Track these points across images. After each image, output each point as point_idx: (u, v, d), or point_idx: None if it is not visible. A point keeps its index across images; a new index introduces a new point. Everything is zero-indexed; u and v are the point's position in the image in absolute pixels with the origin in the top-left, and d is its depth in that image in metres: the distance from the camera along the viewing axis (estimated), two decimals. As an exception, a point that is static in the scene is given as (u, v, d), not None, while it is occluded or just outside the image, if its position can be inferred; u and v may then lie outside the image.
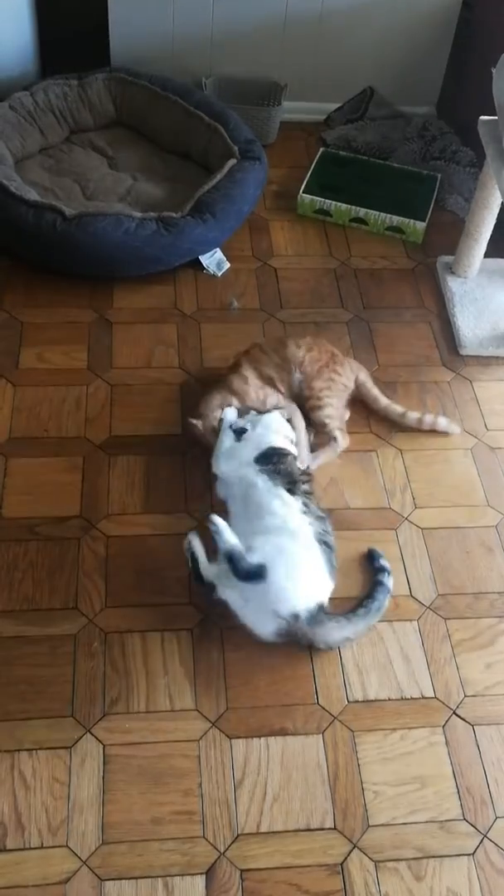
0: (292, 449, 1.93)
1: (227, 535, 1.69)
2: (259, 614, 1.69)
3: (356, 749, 1.66)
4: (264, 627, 1.70)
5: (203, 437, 2.01)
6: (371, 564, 1.91)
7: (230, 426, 1.91)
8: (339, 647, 1.79)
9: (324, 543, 1.76)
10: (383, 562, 1.90)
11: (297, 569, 1.69)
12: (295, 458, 1.91)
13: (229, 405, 2.00)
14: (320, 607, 1.72)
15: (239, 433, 1.89)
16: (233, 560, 1.66)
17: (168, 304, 2.50)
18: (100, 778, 1.59)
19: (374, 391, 2.21)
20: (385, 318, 2.53)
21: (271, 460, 1.84)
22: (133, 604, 1.83)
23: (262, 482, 1.80)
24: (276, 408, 2.02)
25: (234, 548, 1.68)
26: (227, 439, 1.89)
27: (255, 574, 1.65)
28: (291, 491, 1.80)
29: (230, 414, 1.95)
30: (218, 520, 1.71)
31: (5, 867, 1.49)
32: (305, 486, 1.85)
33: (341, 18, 2.97)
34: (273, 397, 2.09)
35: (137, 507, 2.00)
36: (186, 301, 2.51)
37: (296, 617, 1.67)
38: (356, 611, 1.80)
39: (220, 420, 1.95)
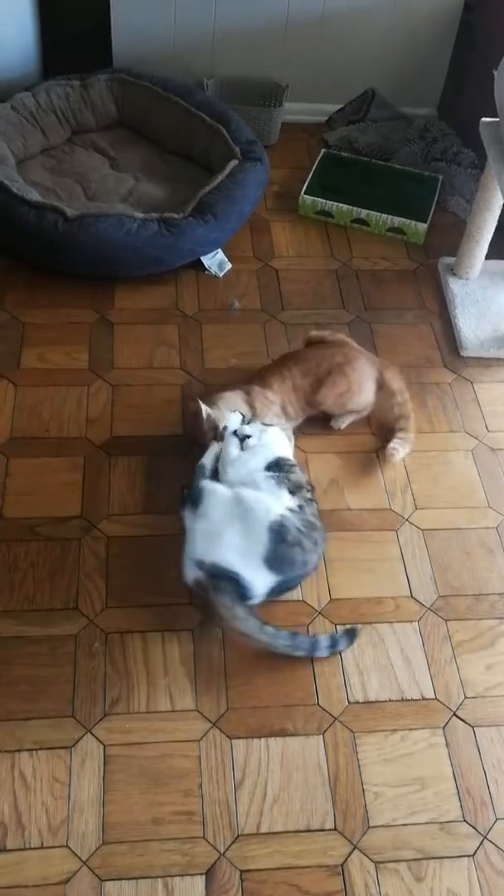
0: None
1: (210, 457, 1.88)
2: (190, 550, 1.77)
3: (356, 750, 1.66)
4: (189, 570, 1.76)
5: (198, 421, 1.99)
6: (334, 634, 1.80)
7: (234, 432, 1.91)
8: (238, 635, 1.75)
9: (281, 537, 1.73)
10: (340, 645, 1.78)
11: (222, 524, 1.74)
12: (301, 468, 1.92)
13: (234, 411, 2.00)
14: (234, 578, 1.71)
15: (243, 440, 1.89)
16: (194, 473, 1.86)
17: (169, 304, 2.50)
18: (100, 778, 1.59)
19: (394, 385, 2.18)
20: (386, 319, 2.53)
21: (281, 469, 1.85)
22: (134, 604, 1.83)
23: (267, 485, 1.82)
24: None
25: (202, 466, 1.87)
26: (233, 448, 1.88)
27: (194, 493, 1.80)
28: (292, 492, 1.82)
29: (235, 420, 1.95)
30: (217, 445, 1.90)
31: (5, 867, 1.49)
32: (308, 495, 1.85)
33: (343, 20, 2.98)
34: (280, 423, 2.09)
35: (138, 508, 2.00)
36: (188, 302, 2.51)
37: (200, 566, 1.73)
38: (268, 627, 1.73)
39: (224, 427, 1.94)
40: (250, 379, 2.16)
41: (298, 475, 1.88)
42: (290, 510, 1.78)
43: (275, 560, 1.73)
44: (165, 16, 2.92)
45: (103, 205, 2.57)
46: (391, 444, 2.11)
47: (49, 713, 1.67)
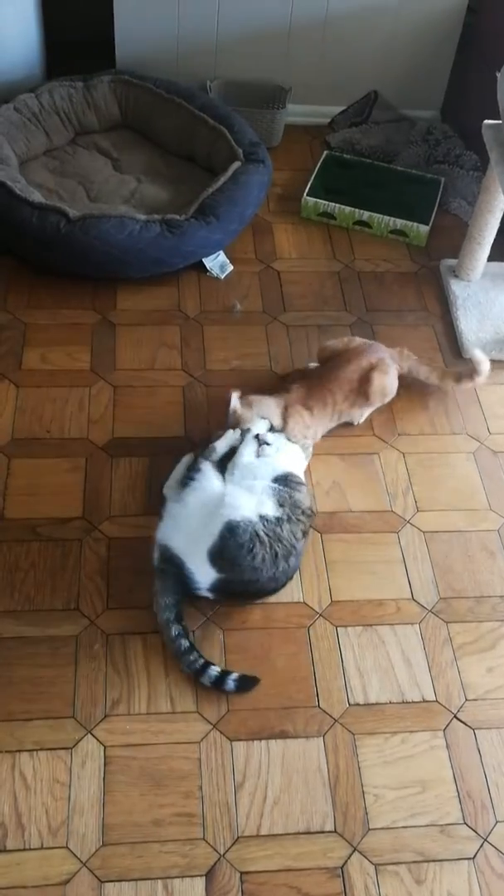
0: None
1: (224, 442, 1.89)
2: (159, 530, 1.82)
3: (357, 752, 1.66)
4: (154, 550, 1.80)
5: (228, 410, 2.03)
6: (230, 673, 1.72)
7: (256, 436, 1.90)
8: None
9: (233, 535, 1.71)
10: (226, 685, 1.70)
11: (192, 511, 1.76)
12: (308, 490, 1.91)
13: (264, 418, 1.99)
14: (179, 565, 1.73)
15: (262, 445, 1.88)
16: (203, 450, 1.89)
17: (171, 306, 2.51)
18: (100, 779, 1.59)
19: (411, 364, 2.25)
20: (388, 321, 2.53)
21: (288, 485, 1.84)
22: (134, 605, 1.83)
23: (261, 493, 1.80)
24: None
25: (213, 449, 1.88)
26: (248, 453, 1.87)
27: (192, 471, 1.82)
28: (281, 505, 1.80)
29: (261, 426, 1.94)
30: (234, 433, 1.91)
31: (5, 868, 1.49)
32: (303, 518, 1.82)
33: (346, 22, 2.98)
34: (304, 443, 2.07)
35: (139, 509, 2.00)
36: (190, 303, 2.52)
37: (159, 546, 1.77)
38: (175, 628, 1.72)
39: (247, 430, 1.93)
40: (290, 388, 2.13)
41: (303, 496, 1.85)
42: (262, 517, 1.76)
43: (219, 556, 1.72)
44: (169, 18, 2.93)
45: (106, 206, 2.57)
46: (470, 384, 2.25)
47: (50, 714, 1.67)
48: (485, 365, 2.20)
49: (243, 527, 1.72)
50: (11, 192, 2.42)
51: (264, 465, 1.85)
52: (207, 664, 1.71)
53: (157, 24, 2.93)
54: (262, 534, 1.74)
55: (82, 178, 2.72)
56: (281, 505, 1.80)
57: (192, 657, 1.71)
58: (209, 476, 1.82)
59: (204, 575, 1.74)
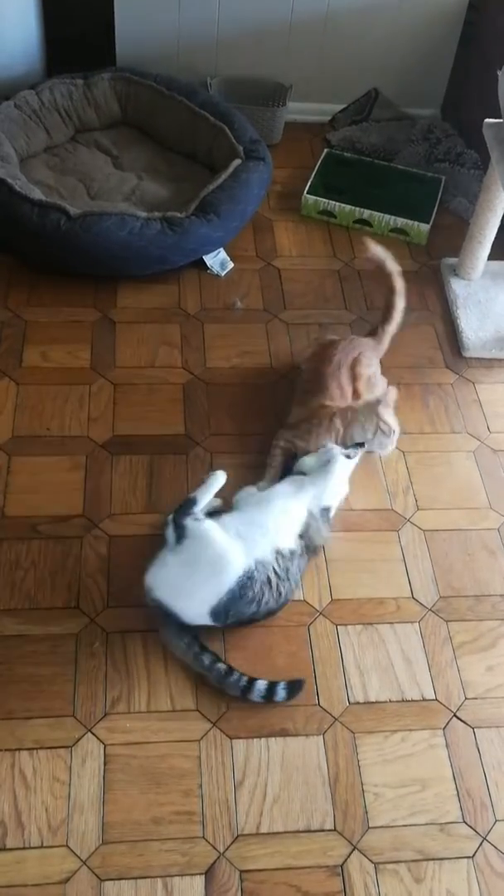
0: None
1: (204, 492, 1.79)
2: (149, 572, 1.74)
3: (357, 750, 1.66)
4: (146, 584, 1.73)
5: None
6: (277, 683, 1.70)
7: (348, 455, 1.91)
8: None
9: (242, 594, 1.66)
10: (278, 696, 1.69)
11: (187, 563, 1.68)
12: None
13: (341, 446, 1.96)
14: (169, 612, 1.69)
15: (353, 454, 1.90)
16: (184, 505, 1.76)
17: (172, 303, 2.50)
18: (100, 777, 1.59)
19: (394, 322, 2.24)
20: (388, 319, 2.52)
21: (324, 515, 1.84)
22: (135, 604, 1.83)
23: (299, 522, 1.80)
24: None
25: (193, 499, 1.78)
26: (345, 465, 1.89)
27: (177, 528, 1.71)
28: (301, 536, 1.79)
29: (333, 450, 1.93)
30: (218, 477, 1.83)
31: (5, 866, 1.49)
32: (312, 555, 1.83)
33: (347, 20, 2.98)
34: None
35: (139, 507, 2.00)
36: (190, 301, 2.51)
37: (149, 591, 1.70)
38: (205, 657, 1.70)
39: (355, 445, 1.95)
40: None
41: (326, 535, 1.85)
42: (278, 553, 1.73)
43: (223, 613, 1.68)
44: (169, 14, 2.92)
45: (106, 204, 2.57)
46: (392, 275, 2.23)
47: (50, 712, 1.67)
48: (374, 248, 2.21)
49: (253, 578, 1.68)
50: (12, 190, 2.41)
51: (319, 483, 1.86)
52: (253, 680, 1.68)
53: (157, 20, 2.93)
54: (272, 576, 1.71)
55: (83, 175, 2.72)
56: (300, 536, 1.78)
57: (234, 678, 1.68)
58: (204, 530, 1.71)
59: (202, 621, 1.71)
